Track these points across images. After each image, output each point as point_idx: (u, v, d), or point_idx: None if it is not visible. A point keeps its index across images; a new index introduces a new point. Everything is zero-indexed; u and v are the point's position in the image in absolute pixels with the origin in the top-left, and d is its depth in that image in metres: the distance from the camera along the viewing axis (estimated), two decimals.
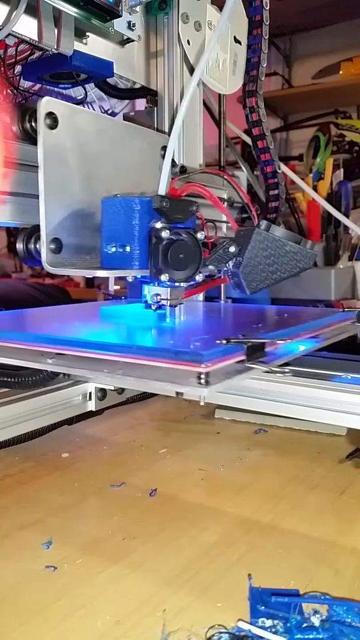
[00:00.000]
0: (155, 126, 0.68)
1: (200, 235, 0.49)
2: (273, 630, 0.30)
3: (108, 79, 0.65)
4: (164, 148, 0.58)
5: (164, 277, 0.47)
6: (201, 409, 0.68)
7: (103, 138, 0.52)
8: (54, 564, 0.36)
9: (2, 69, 0.55)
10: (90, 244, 0.51)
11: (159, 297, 0.50)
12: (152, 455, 0.55)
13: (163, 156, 0.58)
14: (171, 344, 0.41)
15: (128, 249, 0.47)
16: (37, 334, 0.44)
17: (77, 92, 0.70)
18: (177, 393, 0.36)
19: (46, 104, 0.46)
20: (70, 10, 0.50)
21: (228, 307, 0.70)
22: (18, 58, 0.55)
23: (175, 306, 0.51)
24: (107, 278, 0.82)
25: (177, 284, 0.49)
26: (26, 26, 0.49)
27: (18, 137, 0.53)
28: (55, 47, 0.51)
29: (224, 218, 0.75)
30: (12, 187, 0.51)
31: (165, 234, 0.46)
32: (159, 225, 0.47)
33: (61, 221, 0.48)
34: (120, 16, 0.53)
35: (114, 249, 0.48)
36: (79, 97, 0.70)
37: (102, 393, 0.64)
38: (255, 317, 0.61)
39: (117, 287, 0.82)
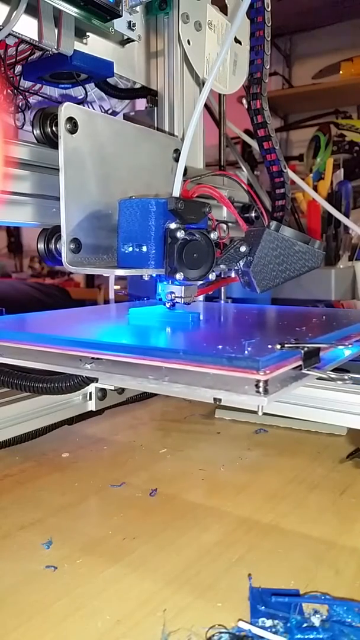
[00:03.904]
0: (156, 126, 0.68)
1: (213, 236, 0.51)
2: (273, 630, 0.30)
3: (108, 79, 0.65)
4: (176, 151, 0.60)
5: (179, 276, 0.49)
6: (201, 409, 0.68)
7: (118, 141, 0.53)
8: (54, 563, 0.36)
9: (2, 69, 0.55)
10: (106, 243, 0.52)
11: (173, 295, 0.52)
12: (153, 455, 0.55)
13: (175, 159, 0.60)
14: (222, 349, 0.37)
15: (144, 248, 0.49)
16: (73, 337, 0.42)
17: (78, 92, 0.70)
18: (215, 399, 0.35)
19: (66, 109, 0.47)
20: (71, 10, 0.50)
21: (254, 309, 0.67)
22: (18, 58, 0.55)
23: (189, 304, 0.53)
24: (108, 278, 0.82)
25: (191, 282, 0.51)
26: (26, 26, 0.49)
27: (39, 141, 0.55)
28: (56, 47, 0.51)
29: (224, 216, 0.76)
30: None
31: (180, 234, 0.48)
32: (173, 225, 0.48)
33: (80, 222, 0.49)
34: (121, 16, 0.53)
35: (130, 249, 0.49)
36: (79, 97, 0.70)
37: (102, 393, 0.64)
38: (292, 319, 0.58)
39: (117, 287, 0.82)
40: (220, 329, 0.53)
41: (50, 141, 0.55)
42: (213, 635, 0.30)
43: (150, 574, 0.35)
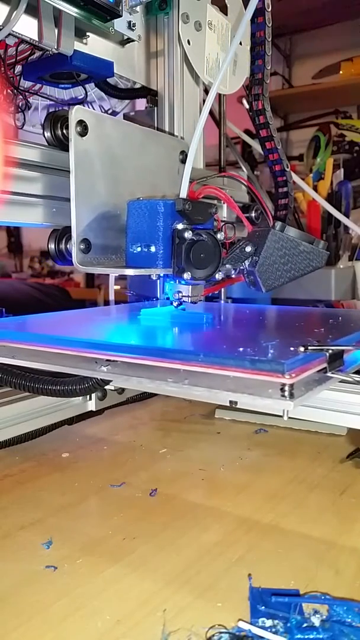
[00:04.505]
0: (156, 126, 0.68)
1: (220, 236, 0.52)
2: (273, 630, 0.30)
3: (108, 79, 0.65)
4: (182, 153, 0.61)
5: (186, 276, 0.50)
6: (201, 409, 0.68)
7: (126, 143, 0.54)
8: (54, 564, 0.36)
9: (2, 69, 0.55)
10: (115, 244, 0.53)
11: (180, 294, 0.53)
12: (153, 455, 0.55)
13: (181, 160, 0.61)
14: (243, 351, 0.35)
15: (152, 248, 0.50)
16: (88, 339, 0.41)
17: (78, 92, 0.70)
18: (231, 402, 0.34)
19: (77, 113, 0.48)
20: (71, 10, 0.50)
21: (266, 310, 0.66)
22: (18, 58, 0.55)
23: (196, 302, 0.53)
24: (108, 278, 0.83)
25: (198, 281, 0.51)
26: (26, 26, 0.49)
27: (50, 144, 0.56)
28: (56, 47, 0.51)
29: (224, 215, 0.76)
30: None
31: (187, 234, 0.49)
32: (181, 226, 0.49)
33: (90, 223, 0.50)
34: (121, 16, 0.53)
35: (139, 249, 0.50)
36: (79, 97, 0.70)
37: (102, 393, 0.64)
38: (307, 320, 0.57)
39: (117, 287, 0.82)
40: (236, 330, 0.52)
41: (61, 144, 0.56)
42: (213, 635, 0.30)
43: (150, 574, 0.35)
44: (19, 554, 0.38)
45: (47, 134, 0.56)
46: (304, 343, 0.36)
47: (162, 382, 0.37)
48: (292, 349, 0.35)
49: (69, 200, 0.49)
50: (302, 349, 0.35)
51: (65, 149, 0.50)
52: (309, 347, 0.35)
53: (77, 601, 0.33)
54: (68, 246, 0.56)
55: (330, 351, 0.36)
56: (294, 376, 0.31)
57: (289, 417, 0.54)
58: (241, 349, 0.36)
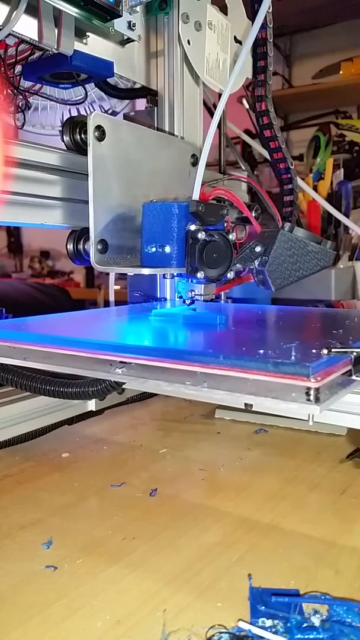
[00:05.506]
0: (156, 126, 0.68)
1: (231, 237, 0.54)
2: (273, 630, 0.30)
3: (108, 79, 0.65)
4: (193, 156, 0.63)
5: (199, 275, 0.51)
6: (201, 409, 0.68)
7: (141, 147, 0.56)
8: (54, 564, 0.36)
9: (2, 69, 0.55)
10: (129, 244, 0.55)
11: (193, 293, 0.55)
12: (152, 455, 0.55)
13: (192, 163, 0.63)
14: (265, 354, 0.34)
15: (167, 249, 0.51)
16: (103, 340, 0.40)
17: (78, 92, 0.70)
18: (246, 405, 0.33)
19: (95, 118, 0.50)
20: (71, 10, 0.50)
21: (275, 310, 0.64)
22: (18, 58, 0.55)
23: (207, 301, 0.54)
24: (108, 278, 0.83)
25: (210, 280, 0.53)
26: (26, 26, 0.49)
27: (69, 148, 0.59)
28: (56, 47, 0.51)
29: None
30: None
31: (201, 235, 0.51)
32: (194, 227, 0.51)
33: (107, 224, 0.52)
34: (121, 16, 0.53)
35: (153, 249, 0.52)
36: (79, 97, 0.70)
37: None
38: (323, 321, 0.56)
39: (118, 287, 0.82)
40: (252, 332, 0.51)
41: (79, 148, 0.58)
42: (213, 635, 0.30)
43: (150, 574, 0.35)
44: (19, 554, 0.38)
45: (66, 139, 0.58)
46: (325, 345, 0.35)
47: (180, 385, 0.35)
48: (314, 351, 0.34)
49: (86, 202, 0.50)
50: (325, 351, 0.34)
51: (83, 153, 0.51)
52: (333, 350, 0.34)
53: (77, 601, 0.33)
54: (86, 246, 0.58)
55: (354, 353, 0.34)
56: (319, 379, 0.31)
57: (290, 417, 0.55)
58: (262, 351, 0.34)
